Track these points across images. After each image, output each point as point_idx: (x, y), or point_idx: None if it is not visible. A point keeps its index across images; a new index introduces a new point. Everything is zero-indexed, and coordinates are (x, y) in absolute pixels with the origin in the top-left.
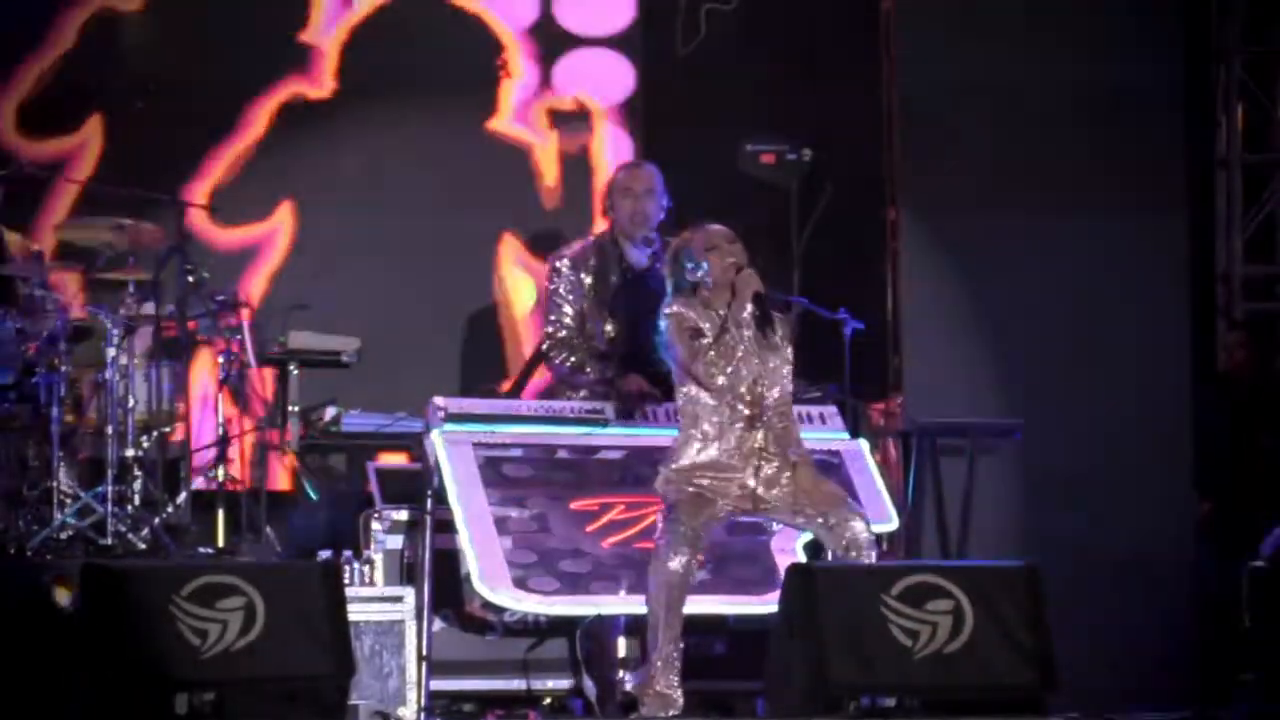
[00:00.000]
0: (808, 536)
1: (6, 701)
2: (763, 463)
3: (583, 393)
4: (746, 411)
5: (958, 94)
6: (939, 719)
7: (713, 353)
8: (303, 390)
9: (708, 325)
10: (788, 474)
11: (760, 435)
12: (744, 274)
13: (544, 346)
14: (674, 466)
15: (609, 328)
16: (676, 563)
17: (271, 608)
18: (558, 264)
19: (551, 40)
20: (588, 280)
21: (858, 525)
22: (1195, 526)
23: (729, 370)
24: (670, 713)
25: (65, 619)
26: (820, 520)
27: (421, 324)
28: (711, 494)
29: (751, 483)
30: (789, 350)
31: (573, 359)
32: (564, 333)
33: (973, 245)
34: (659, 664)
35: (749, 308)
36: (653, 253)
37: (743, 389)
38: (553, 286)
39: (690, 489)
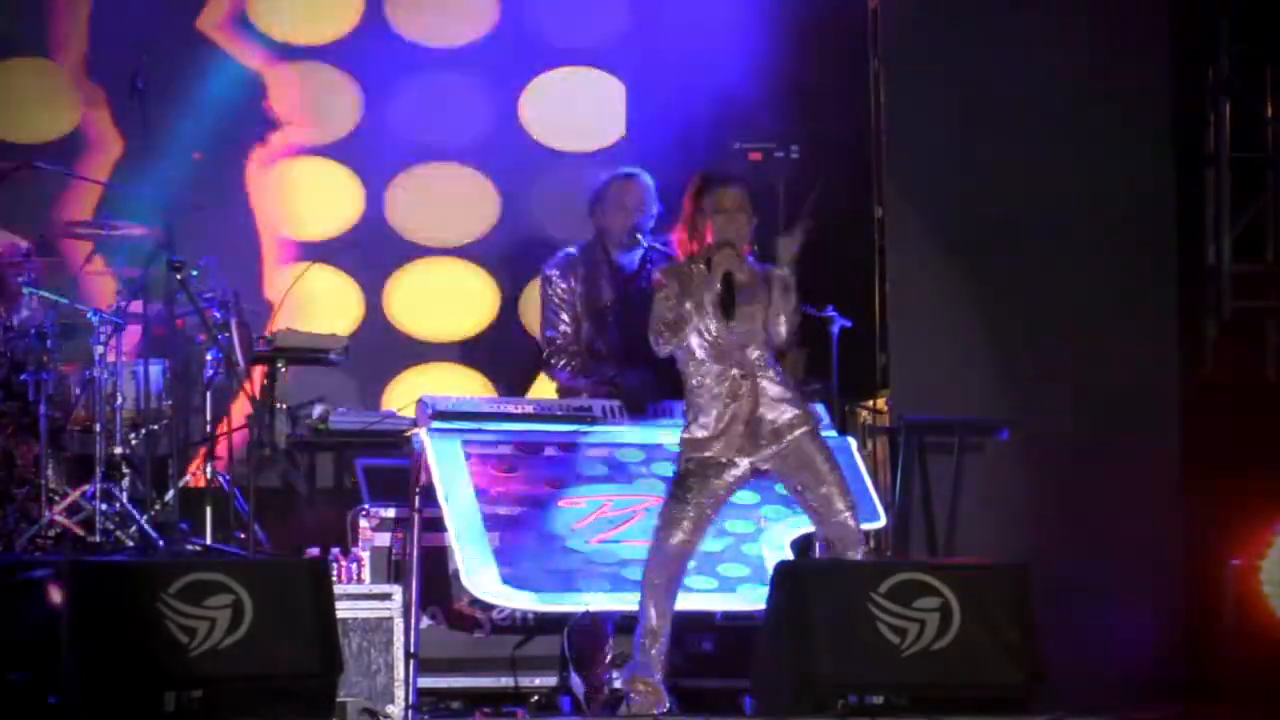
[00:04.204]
0: (796, 533)
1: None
2: (763, 416)
3: (584, 395)
4: (731, 368)
5: (945, 92)
6: (926, 717)
7: (671, 315)
8: (291, 387)
9: (677, 287)
10: (797, 433)
11: (752, 389)
12: (722, 253)
13: (544, 355)
14: (686, 436)
15: (604, 333)
16: (678, 537)
17: (259, 605)
18: (548, 273)
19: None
20: (579, 287)
21: (849, 520)
22: (1183, 525)
23: (700, 331)
24: (658, 709)
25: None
26: (815, 504)
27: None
28: (722, 461)
29: (754, 441)
30: (779, 302)
31: (572, 365)
32: (561, 339)
33: (960, 244)
34: (650, 656)
35: (716, 287)
36: (644, 257)
37: (723, 348)
38: (546, 296)
39: (700, 456)
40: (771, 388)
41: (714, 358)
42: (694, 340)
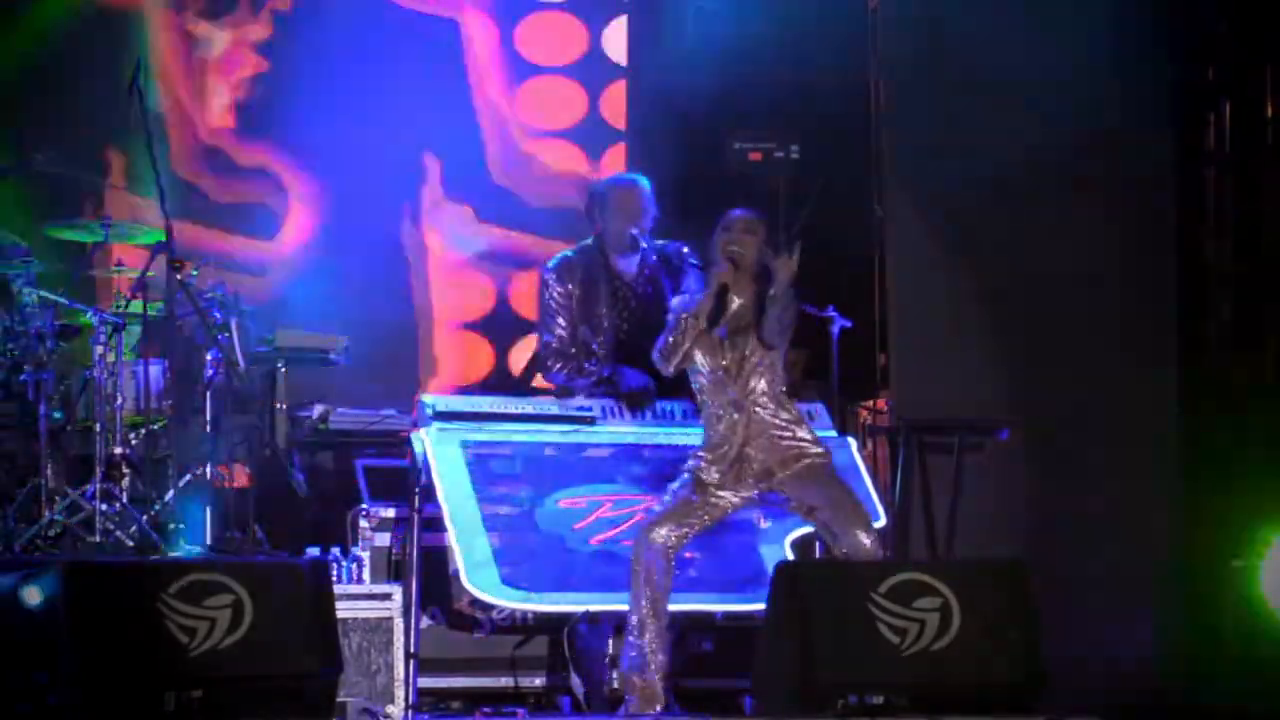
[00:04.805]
0: (795, 534)
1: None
2: (752, 455)
3: (579, 396)
4: (734, 396)
5: (945, 93)
6: (926, 717)
7: (671, 339)
8: (291, 388)
9: (689, 321)
10: (801, 464)
11: (753, 419)
12: (713, 270)
13: (540, 358)
14: (696, 449)
15: (601, 336)
16: (659, 533)
17: (259, 605)
18: (545, 276)
19: None
20: (576, 290)
21: (862, 536)
22: (1183, 525)
23: (699, 364)
24: (656, 708)
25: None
26: (827, 528)
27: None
28: (718, 486)
29: (740, 479)
30: (770, 308)
31: (568, 369)
32: (557, 343)
33: (960, 244)
34: (641, 650)
35: (709, 302)
36: (640, 260)
37: (724, 375)
38: (543, 298)
39: (700, 474)
40: (769, 424)
41: (712, 391)
42: (698, 376)
